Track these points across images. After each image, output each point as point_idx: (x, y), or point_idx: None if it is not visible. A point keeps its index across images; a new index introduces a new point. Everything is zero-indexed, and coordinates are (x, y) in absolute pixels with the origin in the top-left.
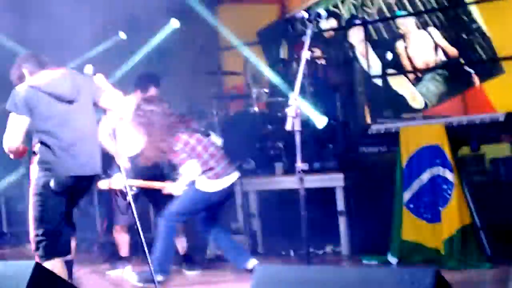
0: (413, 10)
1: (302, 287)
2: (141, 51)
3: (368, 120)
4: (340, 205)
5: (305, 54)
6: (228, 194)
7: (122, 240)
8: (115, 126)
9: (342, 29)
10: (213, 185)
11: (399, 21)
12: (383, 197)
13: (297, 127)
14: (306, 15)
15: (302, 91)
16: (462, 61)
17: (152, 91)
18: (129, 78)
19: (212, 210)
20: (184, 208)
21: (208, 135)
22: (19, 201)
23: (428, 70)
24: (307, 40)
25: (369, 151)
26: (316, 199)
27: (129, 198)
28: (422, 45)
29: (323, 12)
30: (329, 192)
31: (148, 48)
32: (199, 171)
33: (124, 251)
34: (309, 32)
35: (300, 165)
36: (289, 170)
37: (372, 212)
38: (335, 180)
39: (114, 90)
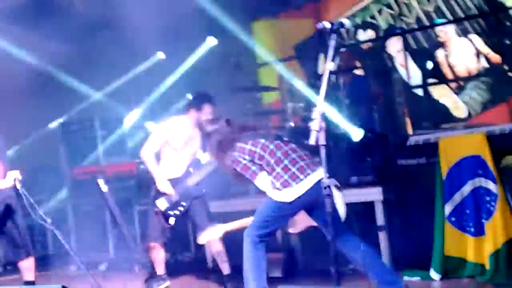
0: (453, 17)
1: None
2: (179, 70)
3: (410, 131)
4: (380, 219)
5: (329, 66)
6: (313, 196)
7: (158, 257)
8: (159, 149)
9: (380, 40)
10: (288, 194)
11: (438, 29)
12: (424, 211)
13: (322, 141)
14: (328, 25)
15: (338, 104)
16: (505, 67)
17: (207, 108)
18: (167, 97)
19: (317, 219)
20: (263, 220)
21: (279, 137)
22: (62, 223)
23: (470, 78)
24: (330, 51)
25: (408, 163)
26: (355, 214)
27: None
28: (463, 52)
29: (346, 22)
30: (369, 206)
31: (186, 66)
32: (269, 182)
33: (160, 268)
34: (332, 43)
35: (326, 181)
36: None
37: (413, 226)
38: (374, 194)
39: None
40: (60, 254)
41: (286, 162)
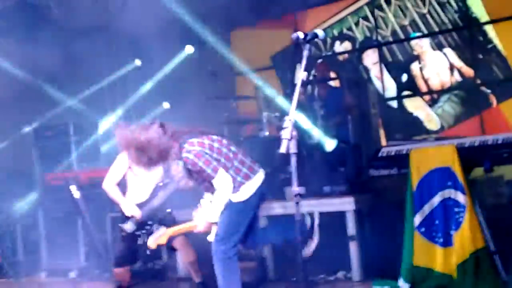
0: (428, 31)
1: None
2: (156, 77)
3: (383, 142)
4: (351, 229)
5: (302, 75)
6: (262, 194)
7: (125, 279)
8: (123, 176)
9: (357, 52)
10: (246, 190)
11: (413, 43)
12: (395, 221)
13: (293, 150)
14: (302, 35)
15: (313, 114)
16: (478, 81)
17: None
18: (143, 104)
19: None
20: (227, 230)
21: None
22: (33, 229)
23: (444, 91)
24: (303, 61)
25: (380, 174)
26: (327, 224)
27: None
28: (438, 66)
29: (320, 33)
30: (340, 216)
31: (162, 74)
32: (228, 178)
33: (124, 283)
34: (305, 53)
35: (296, 188)
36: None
37: (383, 236)
38: (346, 204)
39: None
40: (29, 261)
41: (240, 156)
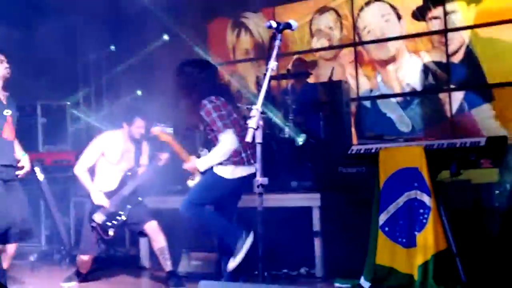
0: (404, 33)
1: None
2: (129, 63)
3: (354, 141)
4: (316, 225)
5: (271, 65)
6: (243, 185)
7: (87, 267)
8: (95, 162)
9: (333, 49)
10: (234, 171)
11: (390, 44)
12: (360, 219)
13: (258, 139)
14: (274, 24)
15: (285, 108)
16: (452, 86)
17: (139, 122)
18: (115, 90)
19: (222, 203)
20: (200, 196)
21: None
22: None
23: (417, 93)
24: (274, 51)
25: (348, 171)
26: (292, 219)
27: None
28: (412, 68)
29: (293, 23)
30: (306, 212)
31: (137, 60)
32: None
33: (84, 271)
34: (277, 42)
35: (259, 179)
36: (268, 188)
37: (348, 234)
38: (312, 200)
39: None
40: None
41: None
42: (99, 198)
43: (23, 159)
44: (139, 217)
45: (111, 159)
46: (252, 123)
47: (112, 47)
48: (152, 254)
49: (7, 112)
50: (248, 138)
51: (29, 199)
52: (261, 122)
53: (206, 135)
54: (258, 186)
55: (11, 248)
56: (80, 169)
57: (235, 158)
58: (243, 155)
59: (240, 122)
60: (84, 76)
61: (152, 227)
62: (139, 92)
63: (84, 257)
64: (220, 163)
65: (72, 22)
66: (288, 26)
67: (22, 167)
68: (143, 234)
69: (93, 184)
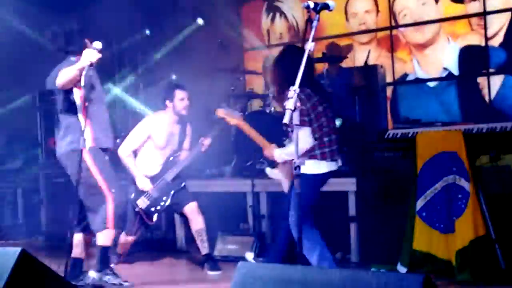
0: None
1: (284, 285)
2: (165, 48)
3: (390, 126)
4: (352, 210)
5: (309, 46)
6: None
7: (126, 247)
8: (137, 147)
9: (369, 33)
10: (323, 166)
11: (427, 27)
12: (397, 204)
13: (296, 121)
14: (312, 4)
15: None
16: (491, 70)
17: (179, 94)
18: (151, 75)
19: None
20: (308, 204)
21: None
22: (34, 193)
23: (454, 78)
24: (312, 31)
25: (384, 156)
26: (328, 204)
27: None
28: (450, 52)
29: (331, 3)
30: (342, 196)
31: (171, 45)
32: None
33: (121, 251)
34: (314, 23)
35: (296, 160)
36: None
37: (384, 219)
38: (348, 185)
39: None
40: (29, 224)
41: (333, 137)
42: (143, 183)
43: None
44: (180, 198)
45: (158, 142)
46: (289, 104)
47: (147, 32)
48: (189, 237)
49: None
50: (286, 120)
51: (67, 182)
52: (298, 104)
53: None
54: (295, 168)
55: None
56: (124, 152)
57: (312, 153)
58: (326, 149)
59: (328, 114)
60: (119, 61)
61: (191, 208)
62: (174, 77)
63: (128, 238)
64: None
65: (106, 7)
66: (326, 6)
67: None
68: (183, 215)
69: (137, 168)
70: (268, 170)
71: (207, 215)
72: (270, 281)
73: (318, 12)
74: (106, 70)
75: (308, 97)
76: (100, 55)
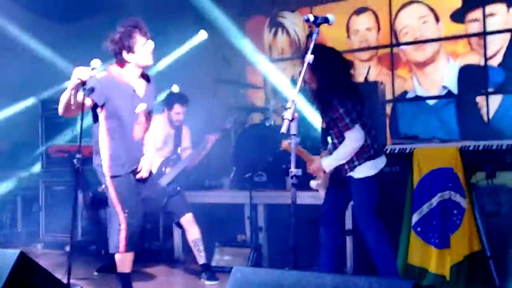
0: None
1: None
2: (166, 60)
3: (389, 142)
4: (348, 223)
5: (308, 58)
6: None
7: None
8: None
9: (370, 50)
10: (376, 165)
11: (427, 46)
12: (392, 219)
13: (293, 131)
14: (312, 18)
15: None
16: (490, 89)
17: (177, 108)
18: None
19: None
20: (374, 201)
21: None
22: (34, 201)
23: (453, 96)
24: (311, 44)
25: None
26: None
27: None
28: (449, 71)
29: (330, 17)
30: None
31: (173, 57)
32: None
33: None
34: (314, 35)
35: (293, 170)
36: (301, 185)
37: None
38: None
39: None
40: (28, 232)
41: (373, 133)
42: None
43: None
44: (177, 208)
45: (155, 143)
46: (287, 114)
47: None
48: (186, 248)
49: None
50: (283, 129)
51: (67, 191)
52: (296, 114)
53: (326, 130)
54: (292, 177)
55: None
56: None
57: (368, 154)
58: (375, 146)
59: (362, 117)
60: None
61: (187, 220)
62: (175, 88)
63: None
64: (356, 166)
65: (110, 16)
66: (326, 20)
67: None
68: (179, 225)
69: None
70: (312, 183)
71: (205, 226)
72: (265, 286)
73: (318, 26)
74: None
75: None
76: (93, 73)
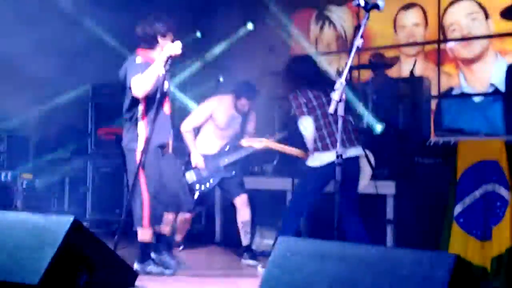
0: None
1: (321, 260)
2: (214, 50)
3: (432, 135)
4: (389, 213)
5: (358, 42)
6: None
7: (182, 226)
8: (202, 123)
9: (417, 45)
10: (323, 157)
11: (475, 43)
12: (434, 209)
13: (340, 112)
14: (362, 3)
15: (364, 98)
16: None
17: (244, 101)
18: (199, 74)
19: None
20: (296, 192)
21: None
22: (81, 182)
23: (500, 94)
24: (361, 28)
25: (425, 162)
26: (364, 206)
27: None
28: (497, 68)
29: (381, 3)
30: (380, 199)
31: (221, 47)
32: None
33: (180, 236)
34: (364, 21)
35: (338, 149)
36: None
37: (421, 223)
38: (387, 188)
39: None
40: (74, 213)
41: (333, 127)
42: (197, 160)
43: None
44: (233, 188)
45: (219, 123)
46: (335, 95)
47: (198, 34)
48: (227, 232)
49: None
50: (331, 110)
51: (115, 172)
52: (344, 96)
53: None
54: (337, 157)
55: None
56: (186, 127)
57: (314, 145)
58: (327, 140)
59: (317, 111)
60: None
61: (242, 200)
62: (221, 79)
63: (186, 215)
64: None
65: (158, 8)
66: (376, 6)
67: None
68: (232, 205)
69: (195, 144)
70: None
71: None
72: (308, 255)
73: (368, 11)
74: None
75: (304, 92)
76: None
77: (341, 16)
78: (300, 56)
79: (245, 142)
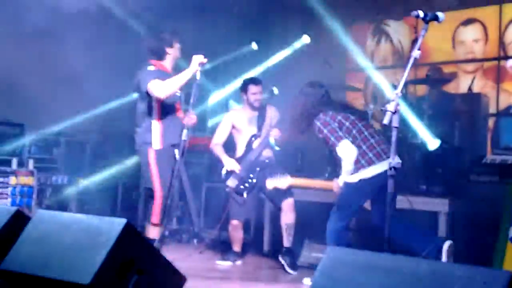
0: None
1: (371, 272)
2: (268, 62)
3: (489, 153)
4: (442, 231)
5: (415, 53)
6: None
7: (236, 236)
8: (227, 136)
9: (476, 62)
10: (368, 172)
11: None
12: (488, 228)
13: (395, 124)
14: (421, 14)
15: (420, 113)
16: None
17: (252, 88)
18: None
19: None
20: (340, 204)
21: (365, 118)
22: (134, 189)
23: None
24: (419, 39)
25: (480, 180)
26: (418, 222)
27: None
28: None
29: (440, 15)
30: (432, 216)
31: (276, 60)
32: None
33: (237, 246)
34: (422, 32)
35: (391, 161)
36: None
37: (474, 242)
38: (440, 205)
39: None
40: (127, 218)
41: (372, 141)
42: (231, 165)
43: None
44: (281, 192)
45: (240, 128)
46: (390, 106)
47: (255, 46)
48: (275, 242)
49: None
50: (385, 121)
51: None
52: (399, 107)
53: (330, 152)
54: (390, 168)
55: None
56: (213, 144)
57: (358, 164)
58: (370, 155)
59: (353, 131)
60: (225, 69)
61: (289, 203)
62: (275, 90)
63: (234, 222)
64: (361, 165)
65: (217, 21)
66: (435, 17)
67: None
68: (278, 208)
69: (225, 154)
70: None
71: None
72: (358, 267)
73: (427, 22)
74: (212, 77)
75: (333, 117)
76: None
77: (398, 31)
78: (309, 82)
79: (269, 183)
